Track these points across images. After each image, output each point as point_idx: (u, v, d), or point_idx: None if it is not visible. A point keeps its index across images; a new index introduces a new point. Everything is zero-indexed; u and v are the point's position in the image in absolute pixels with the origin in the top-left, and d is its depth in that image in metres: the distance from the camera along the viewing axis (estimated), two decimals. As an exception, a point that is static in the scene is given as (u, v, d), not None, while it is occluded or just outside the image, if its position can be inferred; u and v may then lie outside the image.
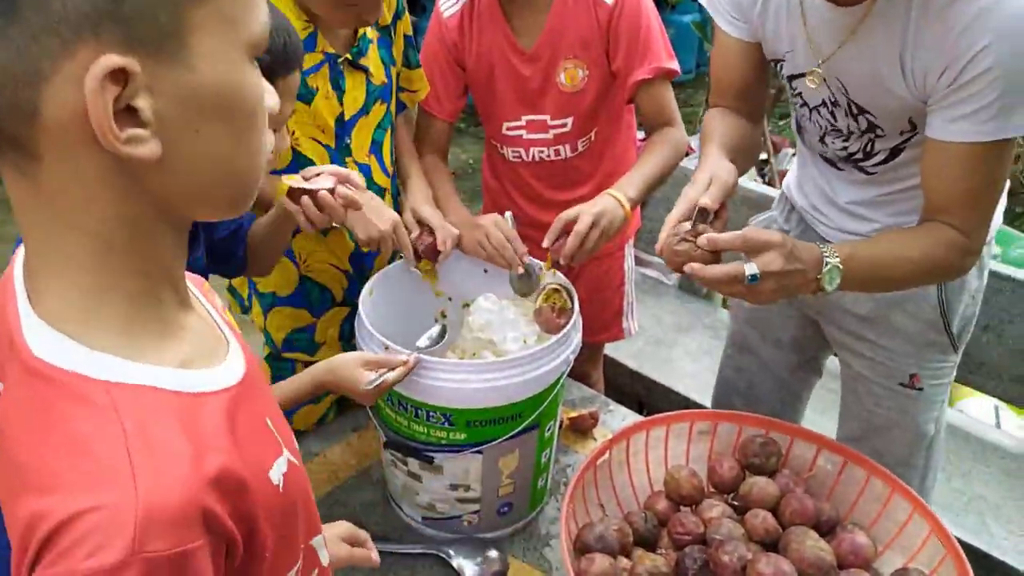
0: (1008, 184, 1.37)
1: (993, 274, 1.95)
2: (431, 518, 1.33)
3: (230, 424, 0.56)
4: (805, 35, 1.23)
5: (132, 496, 0.48)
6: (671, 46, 1.61)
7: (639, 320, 2.06)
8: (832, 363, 1.68)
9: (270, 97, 0.61)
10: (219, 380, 0.58)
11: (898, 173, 1.30)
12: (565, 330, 1.24)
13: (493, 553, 1.29)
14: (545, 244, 1.40)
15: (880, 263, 1.20)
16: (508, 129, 1.71)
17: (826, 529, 1.22)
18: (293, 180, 1.24)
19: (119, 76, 0.48)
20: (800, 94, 1.31)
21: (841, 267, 1.13)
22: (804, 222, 1.49)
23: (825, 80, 1.24)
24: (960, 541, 1.13)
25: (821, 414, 1.87)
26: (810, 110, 1.31)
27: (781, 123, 4.92)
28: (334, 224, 1.30)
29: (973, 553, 1.80)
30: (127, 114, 0.49)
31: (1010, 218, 3.84)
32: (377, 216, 1.38)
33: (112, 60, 0.47)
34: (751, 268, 1.09)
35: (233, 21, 0.53)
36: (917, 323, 1.39)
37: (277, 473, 0.60)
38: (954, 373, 1.47)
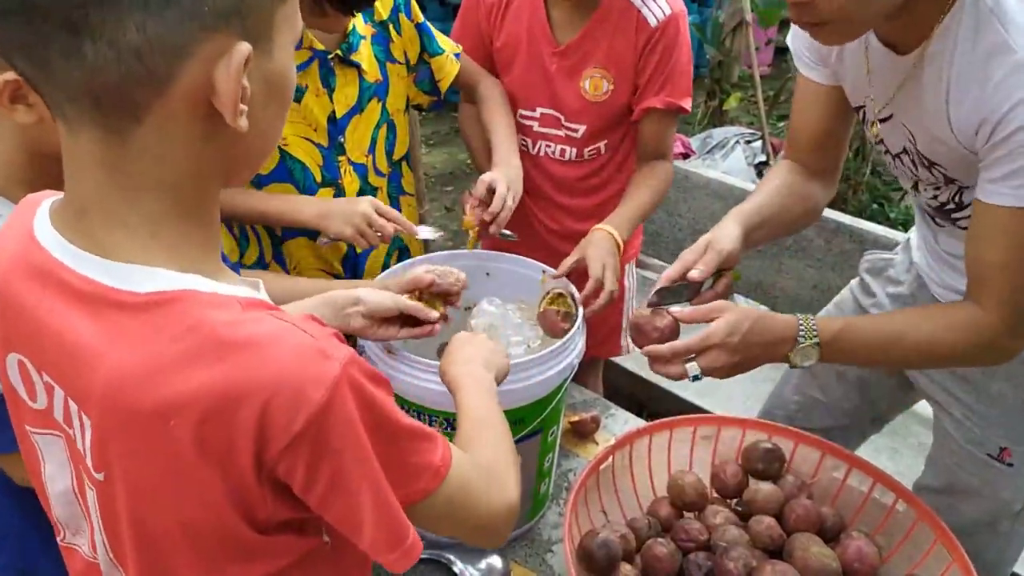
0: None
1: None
2: (433, 523, 1.32)
3: None
4: (868, 81, 1.18)
5: (300, 332, 0.60)
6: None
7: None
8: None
9: None
10: None
11: None
12: (569, 335, 1.23)
13: (495, 559, 1.28)
14: (559, 274, 1.42)
15: (876, 343, 1.14)
16: (522, 117, 1.71)
17: (831, 535, 1.21)
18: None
19: (247, 61, 0.58)
20: (882, 141, 1.25)
21: (819, 346, 1.11)
22: (920, 279, 1.41)
23: (904, 127, 1.18)
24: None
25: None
26: (893, 158, 1.25)
27: (780, 125, 4.92)
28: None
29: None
30: None
31: None
32: (350, 210, 1.37)
33: (247, 47, 0.57)
34: (693, 369, 1.12)
35: (292, 18, 0.64)
36: (1017, 395, 1.28)
37: None
38: None
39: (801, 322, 1.12)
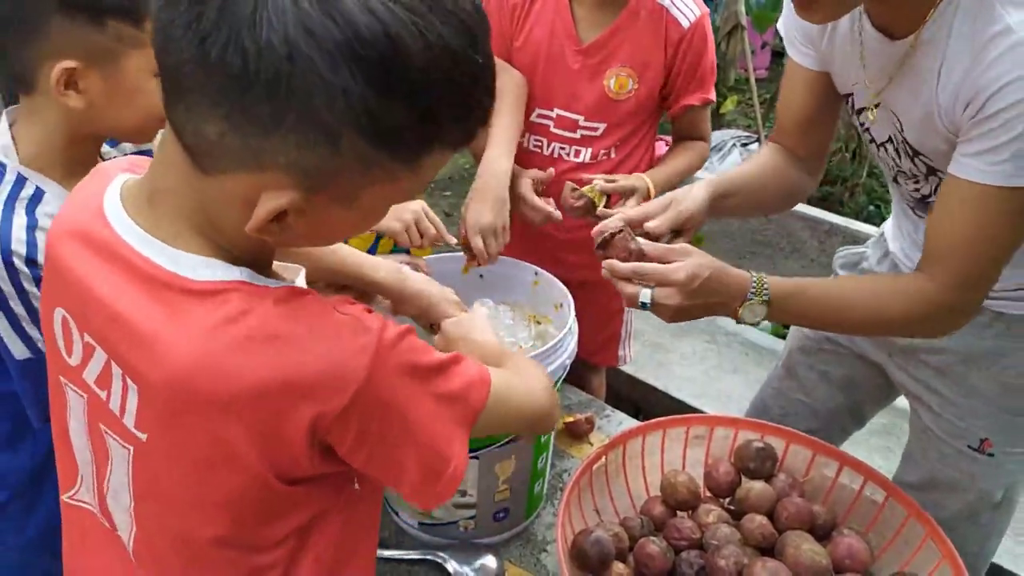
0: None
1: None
2: (428, 524, 1.33)
3: None
4: (862, 67, 1.18)
5: (339, 315, 0.65)
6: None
7: (636, 325, 2.07)
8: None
9: None
10: None
11: None
12: (561, 335, 1.24)
13: (490, 559, 1.29)
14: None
15: (826, 308, 1.17)
16: (538, 116, 1.72)
17: (822, 533, 1.22)
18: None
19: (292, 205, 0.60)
20: (868, 130, 1.25)
21: (769, 303, 1.14)
22: (896, 267, 1.41)
23: (892, 114, 1.18)
24: (955, 544, 1.13)
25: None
26: (877, 147, 1.26)
27: (776, 128, 4.93)
28: None
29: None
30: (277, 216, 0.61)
31: None
32: (401, 207, 1.40)
33: (295, 201, 0.60)
34: (644, 296, 1.13)
35: (407, 192, 0.66)
36: (996, 386, 1.28)
37: None
38: None
39: (754, 279, 1.15)
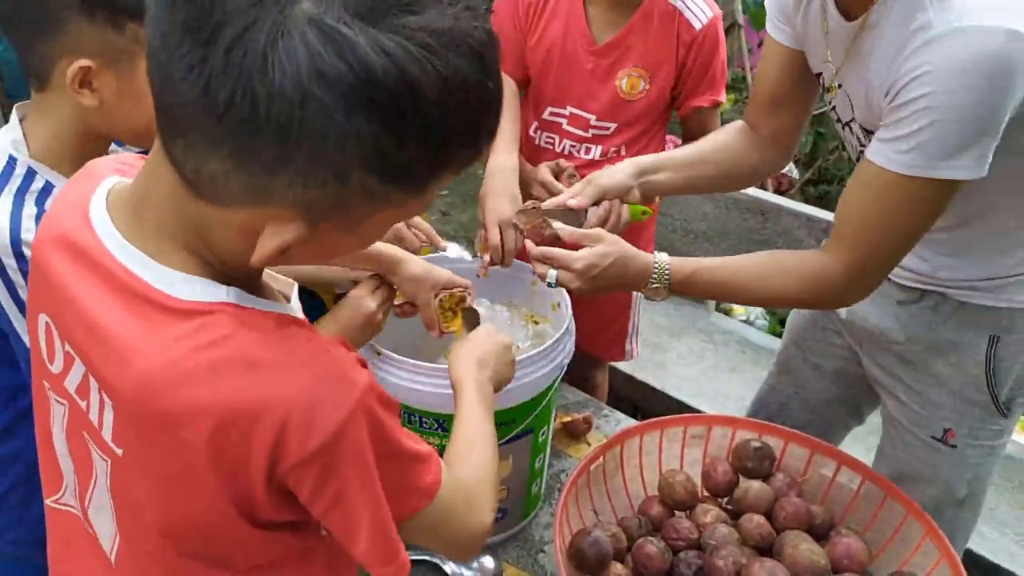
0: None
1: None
2: (425, 524, 1.32)
3: None
4: (826, 46, 1.20)
5: (326, 355, 0.64)
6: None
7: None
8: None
9: None
10: None
11: None
12: (559, 335, 1.24)
13: (487, 559, 1.29)
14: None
15: (724, 285, 1.25)
16: (551, 114, 1.73)
17: (820, 533, 1.22)
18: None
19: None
20: (835, 108, 1.27)
21: (668, 285, 1.23)
22: None
23: (847, 95, 1.20)
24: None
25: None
26: (842, 126, 1.27)
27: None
28: None
29: (967, 556, 1.80)
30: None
31: None
32: None
33: (301, 234, 0.58)
34: (551, 276, 1.23)
35: (412, 214, 0.65)
36: (959, 376, 1.29)
37: None
38: (1005, 438, 1.35)
39: (656, 265, 1.23)
